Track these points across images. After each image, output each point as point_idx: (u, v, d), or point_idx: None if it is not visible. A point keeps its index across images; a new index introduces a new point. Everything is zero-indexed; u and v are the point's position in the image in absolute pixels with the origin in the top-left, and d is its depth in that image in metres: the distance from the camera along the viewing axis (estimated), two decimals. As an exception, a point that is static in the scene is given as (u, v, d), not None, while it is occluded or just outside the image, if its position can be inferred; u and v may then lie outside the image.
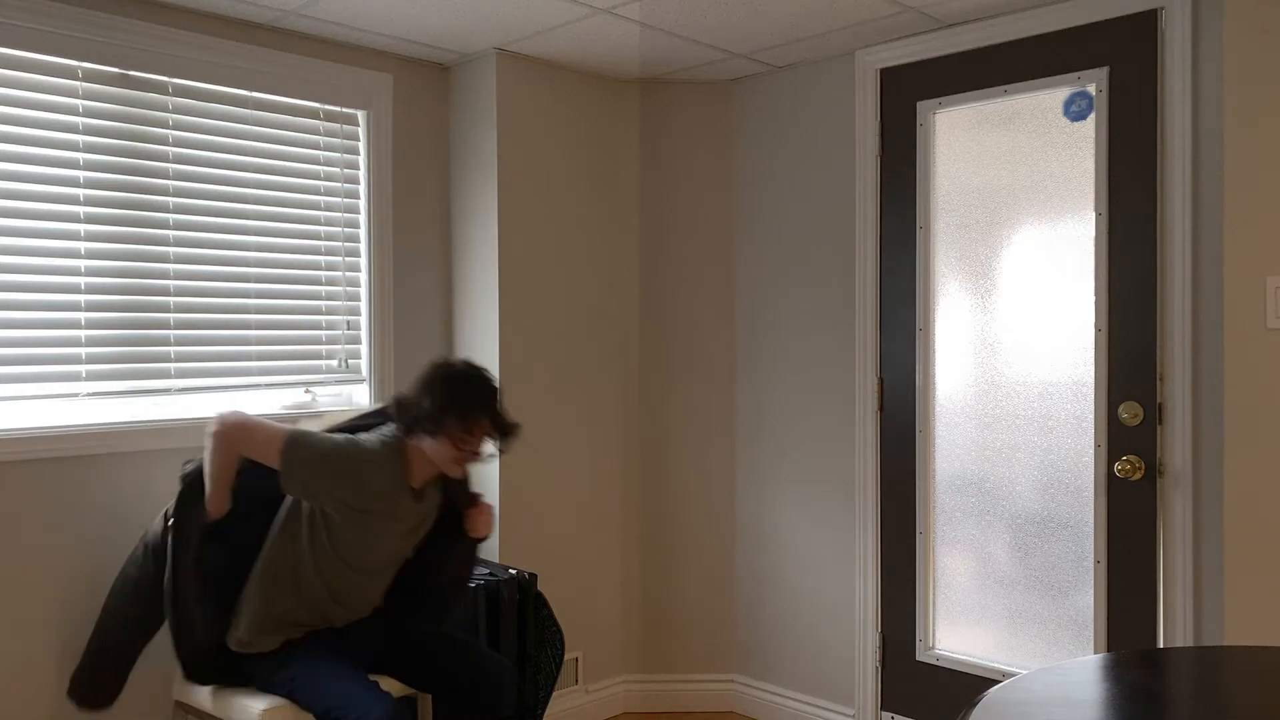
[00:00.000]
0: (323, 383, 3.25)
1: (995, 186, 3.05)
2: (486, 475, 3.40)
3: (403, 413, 2.44)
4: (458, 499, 2.60)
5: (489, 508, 2.59)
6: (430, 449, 2.42)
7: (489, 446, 2.49)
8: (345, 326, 3.30)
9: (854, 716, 3.41)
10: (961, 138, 3.11)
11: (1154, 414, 2.75)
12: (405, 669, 2.59)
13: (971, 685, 3.10)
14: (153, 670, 2.85)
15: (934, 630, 3.20)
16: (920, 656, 3.23)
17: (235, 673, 2.47)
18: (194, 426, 2.91)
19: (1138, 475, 2.77)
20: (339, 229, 3.27)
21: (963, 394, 3.14)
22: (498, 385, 2.49)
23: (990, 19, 3.02)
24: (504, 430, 2.45)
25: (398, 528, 2.48)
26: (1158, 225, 2.74)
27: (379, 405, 2.70)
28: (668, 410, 3.77)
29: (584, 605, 3.63)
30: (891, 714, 3.31)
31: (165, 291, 2.89)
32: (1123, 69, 2.80)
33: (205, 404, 2.99)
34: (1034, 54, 2.96)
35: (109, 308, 2.79)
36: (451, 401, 2.38)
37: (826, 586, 3.49)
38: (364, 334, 3.33)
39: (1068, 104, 2.91)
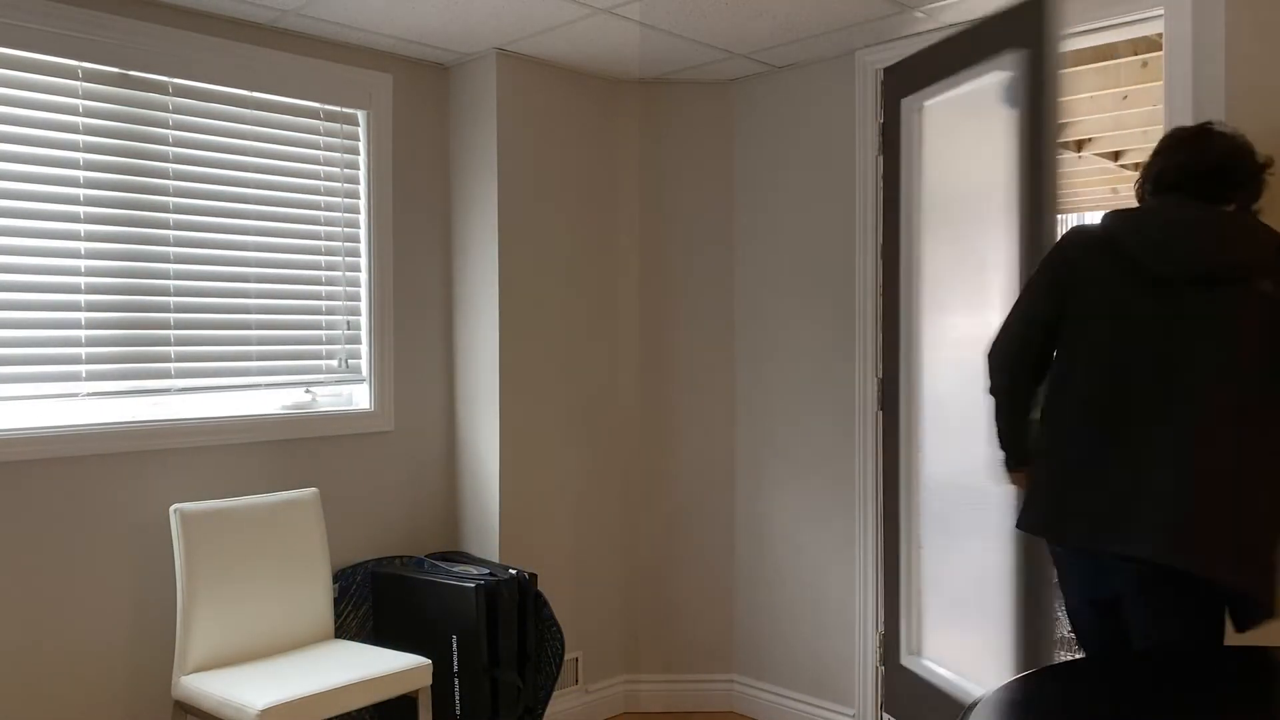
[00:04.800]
0: (323, 383, 3.25)
1: (992, 183, 3.04)
2: (486, 474, 3.40)
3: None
4: None
5: None
6: None
7: None
8: (345, 326, 3.30)
9: (854, 716, 3.41)
10: (950, 132, 3.09)
11: (1154, 414, 2.74)
12: None
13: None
14: (153, 669, 2.85)
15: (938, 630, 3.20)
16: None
17: None
18: (194, 427, 2.91)
19: (1138, 475, 2.76)
20: (339, 229, 3.27)
21: (962, 393, 3.13)
22: None
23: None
24: None
25: None
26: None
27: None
28: (668, 409, 3.77)
29: (584, 605, 3.63)
30: (892, 715, 3.31)
31: (165, 291, 2.89)
32: (1123, 69, 2.80)
33: (205, 404, 2.99)
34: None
35: (109, 308, 2.79)
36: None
37: (826, 586, 3.49)
38: (364, 334, 3.33)
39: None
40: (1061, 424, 2.07)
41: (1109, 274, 2.03)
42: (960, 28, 3.07)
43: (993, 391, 2.25)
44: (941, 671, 3.07)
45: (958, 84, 2.94)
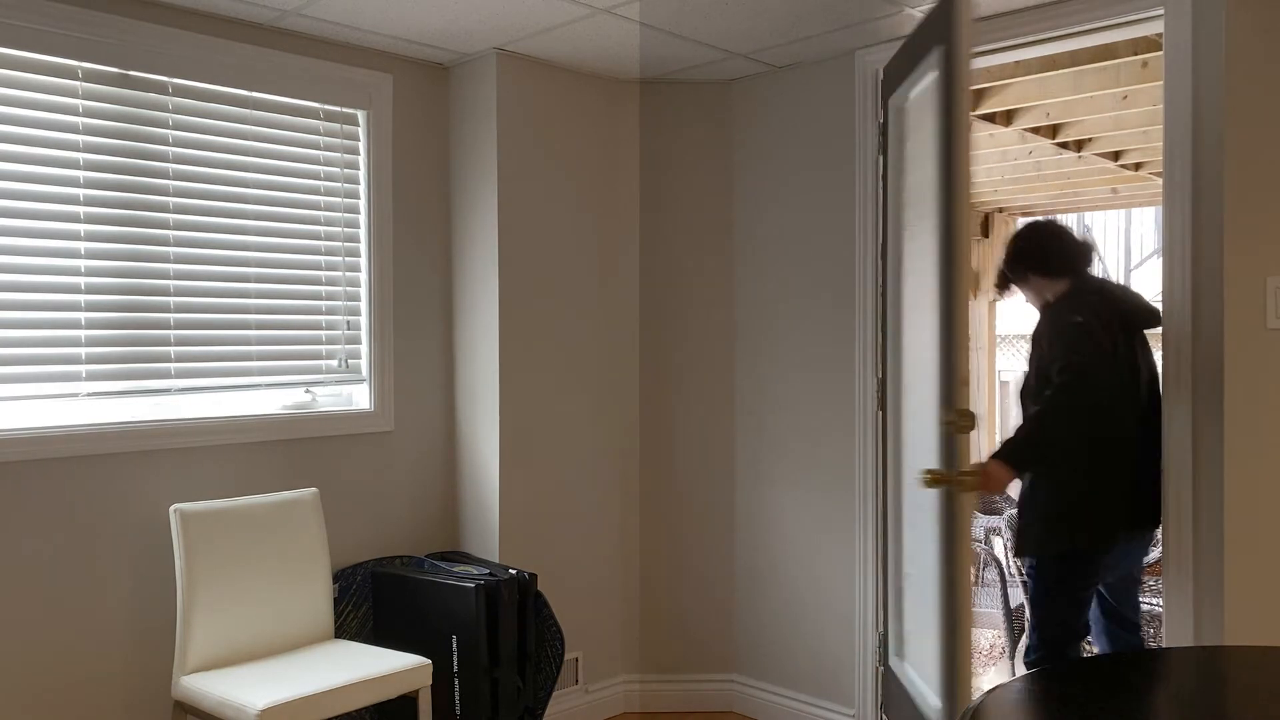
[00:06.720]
0: (323, 383, 3.25)
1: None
2: (486, 474, 3.40)
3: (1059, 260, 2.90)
4: None
5: None
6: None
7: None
8: (345, 326, 3.30)
9: (854, 716, 3.41)
10: (919, 130, 3.07)
11: (1154, 414, 2.74)
12: None
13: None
14: (153, 669, 2.85)
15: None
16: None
17: None
18: (194, 427, 2.91)
19: (1138, 475, 2.77)
20: (339, 229, 3.27)
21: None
22: None
23: (986, 19, 3.02)
24: None
25: None
26: (1157, 225, 2.73)
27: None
28: (667, 410, 3.77)
29: (584, 605, 3.63)
30: (890, 715, 3.30)
31: (165, 291, 2.89)
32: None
33: (205, 404, 2.99)
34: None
35: (109, 308, 2.79)
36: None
37: (826, 586, 3.49)
38: (364, 334, 3.33)
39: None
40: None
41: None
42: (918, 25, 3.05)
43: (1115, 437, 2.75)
44: (913, 675, 3.07)
45: (916, 82, 2.90)
